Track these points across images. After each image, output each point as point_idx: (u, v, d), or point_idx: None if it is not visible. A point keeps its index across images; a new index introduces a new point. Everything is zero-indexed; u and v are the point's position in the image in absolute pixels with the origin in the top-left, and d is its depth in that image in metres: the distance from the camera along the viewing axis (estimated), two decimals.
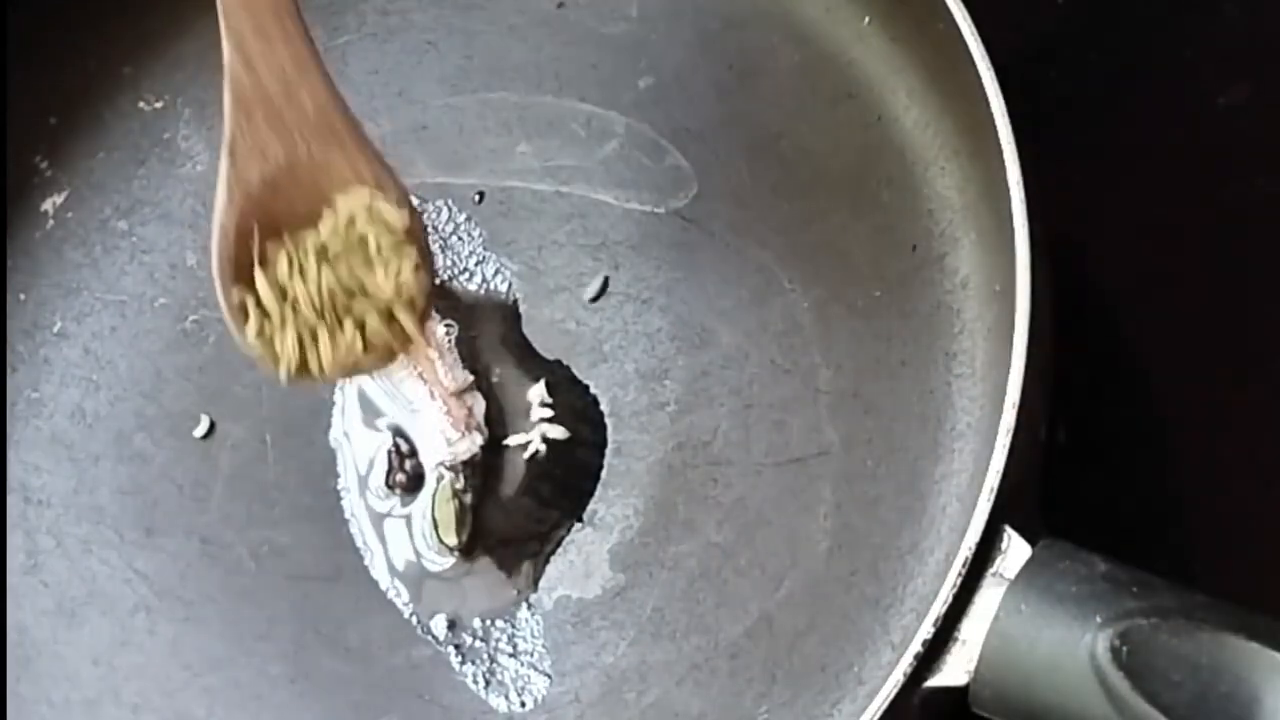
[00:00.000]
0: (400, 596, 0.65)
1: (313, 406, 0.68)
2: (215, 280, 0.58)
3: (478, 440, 0.65)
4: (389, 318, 0.58)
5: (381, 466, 0.66)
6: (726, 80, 0.68)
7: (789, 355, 0.64)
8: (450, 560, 0.65)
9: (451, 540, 0.64)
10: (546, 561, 0.64)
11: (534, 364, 0.67)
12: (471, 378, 0.66)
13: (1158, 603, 0.51)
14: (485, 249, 0.68)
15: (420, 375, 0.65)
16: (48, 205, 0.73)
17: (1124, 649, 0.50)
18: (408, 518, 0.65)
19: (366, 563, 0.66)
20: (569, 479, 0.65)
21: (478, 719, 0.63)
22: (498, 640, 0.64)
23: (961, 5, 0.59)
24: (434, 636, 0.64)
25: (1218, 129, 0.69)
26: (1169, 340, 0.67)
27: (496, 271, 0.68)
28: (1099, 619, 0.51)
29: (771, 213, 0.66)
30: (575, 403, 0.66)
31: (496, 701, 0.63)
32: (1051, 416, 0.59)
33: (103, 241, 0.72)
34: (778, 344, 0.64)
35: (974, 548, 0.53)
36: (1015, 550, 0.53)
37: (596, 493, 0.65)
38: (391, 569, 0.65)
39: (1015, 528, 0.53)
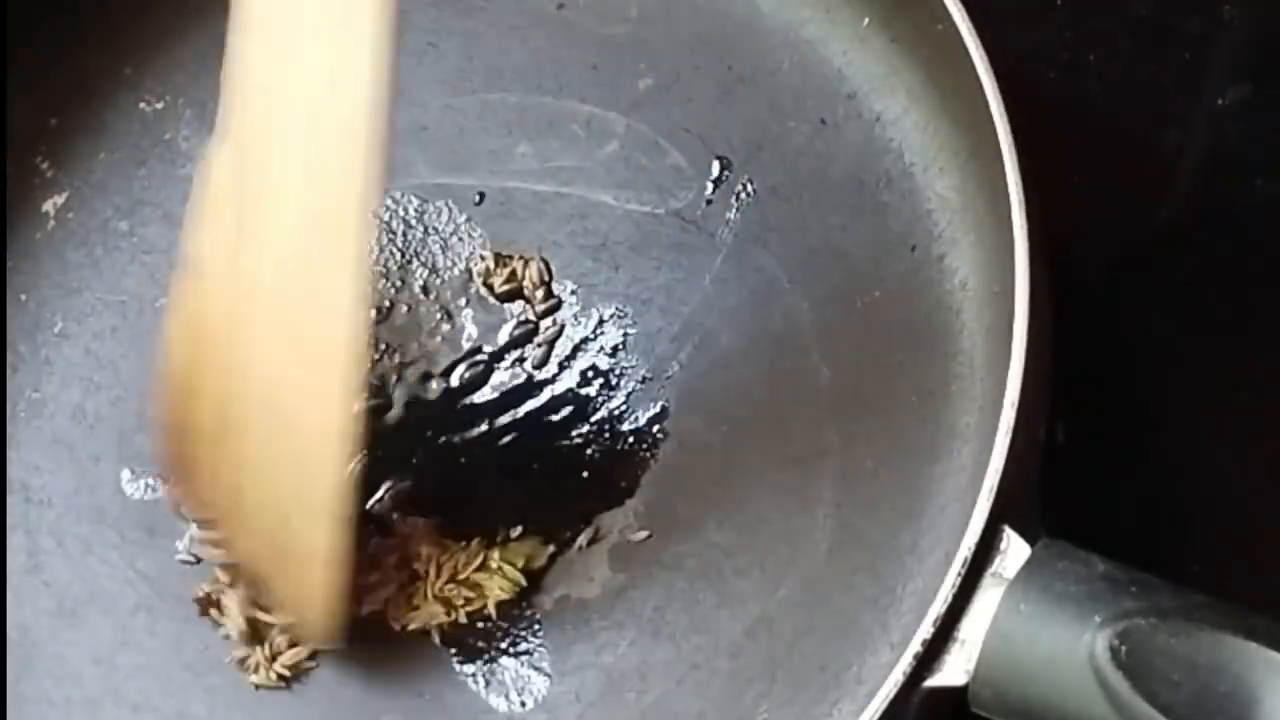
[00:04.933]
0: None
1: None
2: None
3: None
4: None
5: None
6: (726, 80, 0.68)
7: (789, 355, 0.64)
8: None
9: None
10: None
11: None
12: None
13: (1157, 603, 0.51)
14: (485, 250, 0.68)
15: None
16: (49, 206, 0.73)
17: (1123, 649, 0.50)
18: None
19: None
20: None
21: (478, 719, 0.63)
22: (498, 640, 0.64)
23: (960, 6, 0.59)
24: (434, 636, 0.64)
25: (1218, 129, 0.69)
26: (1168, 340, 0.67)
27: None
28: (1098, 619, 0.51)
29: (771, 213, 0.66)
30: None
31: (496, 701, 0.63)
32: (1050, 416, 0.59)
33: (104, 242, 0.72)
34: (778, 344, 0.64)
35: (973, 547, 0.53)
36: (1014, 550, 0.53)
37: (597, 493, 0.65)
38: None
39: (1014, 528, 0.54)
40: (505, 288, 0.67)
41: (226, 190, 0.57)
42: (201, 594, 0.65)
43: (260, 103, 0.56)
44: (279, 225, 0.56)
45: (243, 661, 0.64)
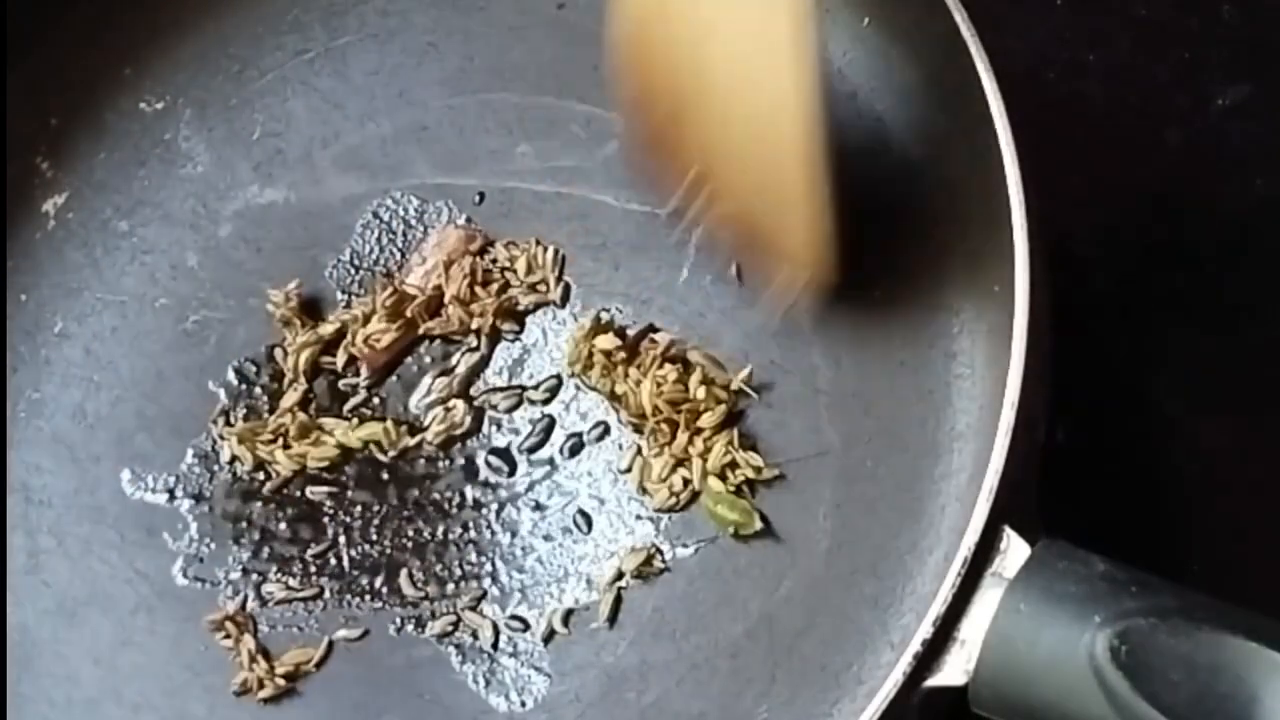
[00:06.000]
0: None
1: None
2: None
3: None
4: None
5: None
6: None
7: (789, 355, 0.64)
8: None
9: None
10: None
11: None
12: None
13: (1157, 603, 0.51)
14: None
15: None
16: (48, 206, 0.73)
17: (1123, 649, 0.50)
18: None
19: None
20: None
21: (478, 719, 0.63)
22: (498, 640, 0.64)
23: (960, 6, 0.59)
24: (435, 635, 0.64)
25: (1218, 129, 0.69)
26: (1168, 339, 0.67)
27: None
28: (1098, 619, 0.51)
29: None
30: None
31: (496, 701, 0.63)
32: (1050, 416, 0.59)
33: (104, 242, 0.72)
34: (778, 344, 0.64)
35: (973, 547, 0.53)
36: (1014, 550, 0.53)
37: None
38: None
39: (1014, 527, 0.54)
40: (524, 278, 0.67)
41: None
42: (217, 618, 0.65)
43: None
44: None
45: (243, 683, 0.64)
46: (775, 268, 0.63)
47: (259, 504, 0.67)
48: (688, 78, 0.60)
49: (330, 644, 0.65)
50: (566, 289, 0.67)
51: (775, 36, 0.58)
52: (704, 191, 0.62)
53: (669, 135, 0.62)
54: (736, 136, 0.60)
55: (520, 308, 0.67)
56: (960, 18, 0.59)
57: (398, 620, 0.65)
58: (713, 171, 0.62)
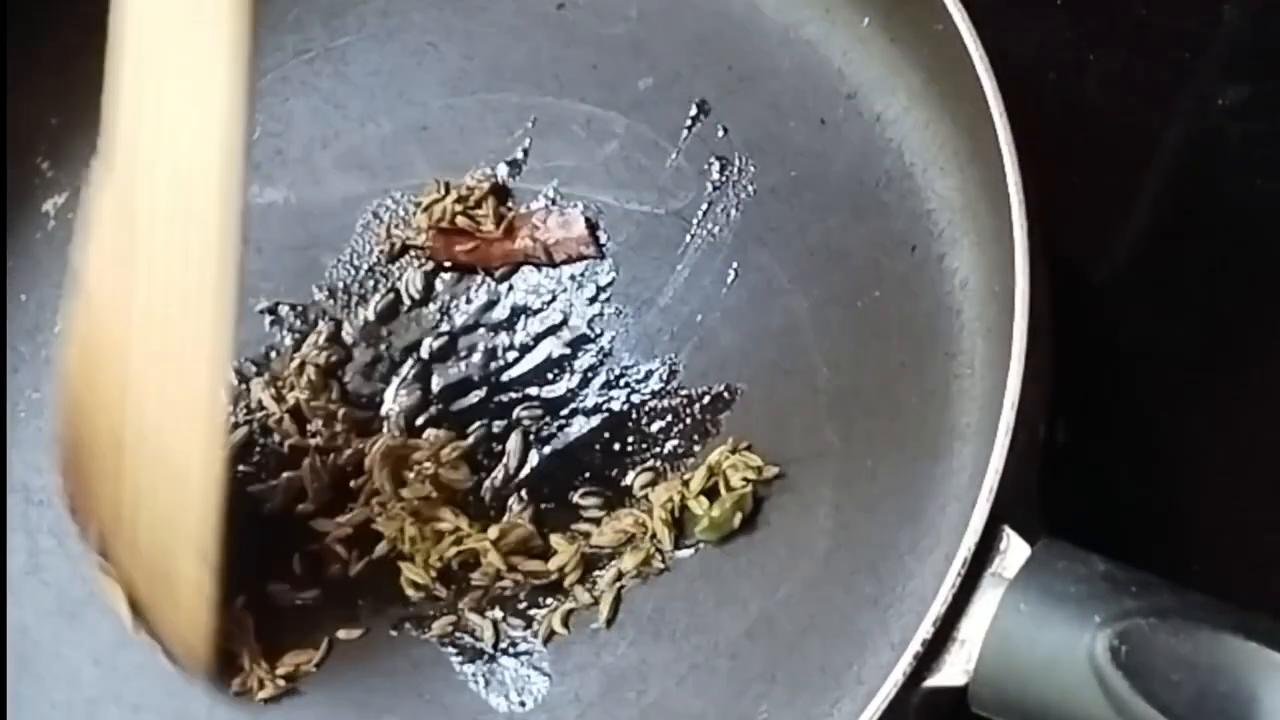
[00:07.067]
0: None
1: None
2: None
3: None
4: None
5: None
6: (726, 80, 0.68)
7: (789, 355, 0.64)
8: None
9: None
10: None
11: None
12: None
13: (1157, 603, 0.51)
14: None
15: None
16: (49, 206, 0.73)
17: (1123, 649, 0.51)
18: None
19: None
20: None
21: (478, 719, 0.63)
22: (498, 640, 0.64)
23: (960, 6, 0.59)
24: (435, 637, 0.64)
25: (1218, 129, 0.69)
26: (1168, 340, 0.67)
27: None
28: (1098, 619, 0.51)
29: (772, 213, 0.66)
30: None
31: (496, 701, 0.63)
32: (1050, 416, 0.59)
33: None
34: (778, 344, 0.64)
35: (973, 547, 0.53)
36: (1014, 550, 0.53)
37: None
38: None
39: (1014, 527, 0.54)
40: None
41: (111, 216, 0.58)
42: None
43: (132, 130, 0.57)
44: (152, 251, 0.57)
45: (243, 683, 0.64)
46: (159, 635, 0.62)
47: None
48: (111, 428, 0.59)
49: (330, 644, 0.65)
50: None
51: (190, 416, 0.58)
52: (105, 547, 0.62)
53: (87, 478, 0.61)
54: (139, 507, 0.59)
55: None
56: (960, 18, 0.59)
57: (398, 620, 0.65)
58: (114, 531, 0.61)
